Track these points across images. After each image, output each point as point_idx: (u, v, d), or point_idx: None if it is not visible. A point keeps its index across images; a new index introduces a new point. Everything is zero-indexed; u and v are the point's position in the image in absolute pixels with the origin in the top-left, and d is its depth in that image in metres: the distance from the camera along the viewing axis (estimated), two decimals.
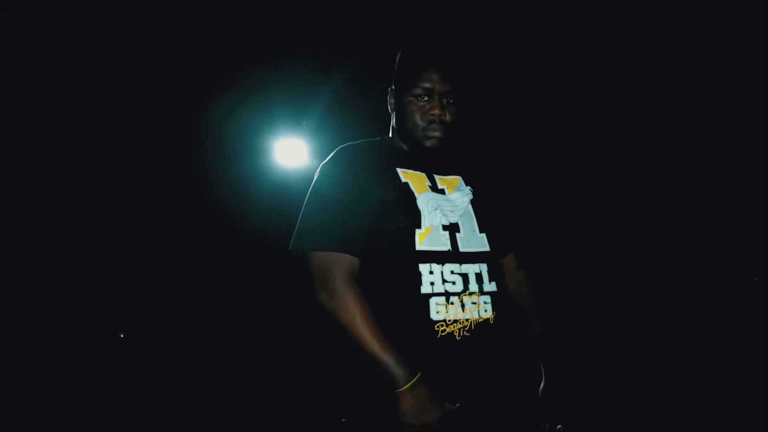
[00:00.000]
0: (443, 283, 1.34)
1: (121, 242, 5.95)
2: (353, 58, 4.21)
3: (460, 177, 1.53)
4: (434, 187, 1.45)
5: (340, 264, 1.31)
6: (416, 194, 1.40)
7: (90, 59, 4.11)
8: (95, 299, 5.99)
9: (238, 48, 4.17)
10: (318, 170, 1.45)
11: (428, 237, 1.36)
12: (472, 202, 1.48)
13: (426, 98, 1.41)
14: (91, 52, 4.04)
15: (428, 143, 1.43)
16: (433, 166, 1.50)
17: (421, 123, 1.42)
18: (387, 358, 1.25)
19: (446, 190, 1.47)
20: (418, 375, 1.26)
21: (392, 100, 1.51)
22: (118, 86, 4.42)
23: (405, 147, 1.49)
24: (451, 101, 1.42)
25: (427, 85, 1.40)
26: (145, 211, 5.77)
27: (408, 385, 1.24)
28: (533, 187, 4.55)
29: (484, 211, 1.49)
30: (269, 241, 5.55)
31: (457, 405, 1.29)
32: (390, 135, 1.55)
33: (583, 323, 4.56)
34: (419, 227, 1.36)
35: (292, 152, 5.03)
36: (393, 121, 1.53)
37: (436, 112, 1.40)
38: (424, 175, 1.46)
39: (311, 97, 4.64)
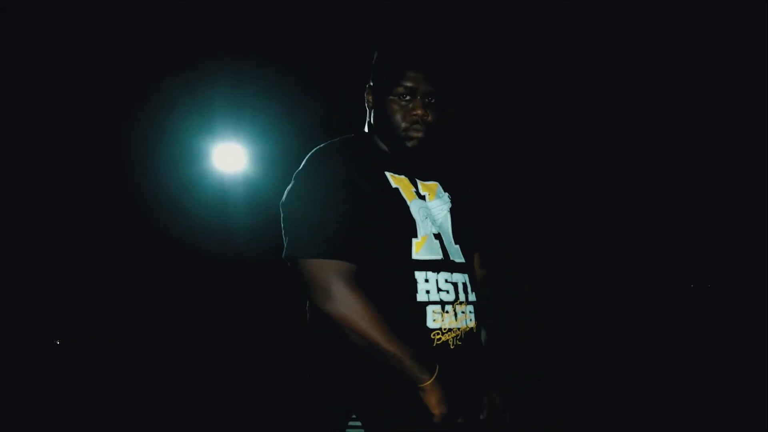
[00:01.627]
0: (438, 292, 1.33)
1: (49, 251, 5.67)
2: (293, 61, 4.18)
3: (438, 183, 1.50)
4: (417, 193, 1.42)
5: (340, 270, 1.27)
6: (408, 202, 1.38)
7: (22, 59, 3.93)
8: (27, 307, 5.72)
9: (176, 49, 4.06)
10: (302, 168, 1.38)
11: (424, 246, 1.35)
12: (451, 210, 1.46)
13: (408, 98, 1.38)
14: (24, 52, 3.87)
15: (409, 144, 1.40)
16: (415, 169, 1.46)
17: (403, 123, 1.39)
18: (406, 355, 1.23)
19: (427, 197, 1.44)
20: (438, 367, 1.25)
21: (370, 97, 1.46)
22: (47, 86, 4.23)
23: (385, 147, 1.45)
24: (434, 102, 1.40)
25: (410, 84, 1.37)
26: (74, 218, 5.52)
27: (434, 377, 1.24)
28: (510, 190, 4.56)
29: (459, 222, 1.47)
30: (206, 248, 5.42)
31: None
32: (367, 131, 1.50)
33: (556, 325, 4.61)
34: (416, 236, 1.35)
35: (230, 157, 4.94)
36: (370, 119, 1.48)
37: (419, 112, 1.37)
38: (407, 179, 1.43)
39: (250, 101, 4.58)
